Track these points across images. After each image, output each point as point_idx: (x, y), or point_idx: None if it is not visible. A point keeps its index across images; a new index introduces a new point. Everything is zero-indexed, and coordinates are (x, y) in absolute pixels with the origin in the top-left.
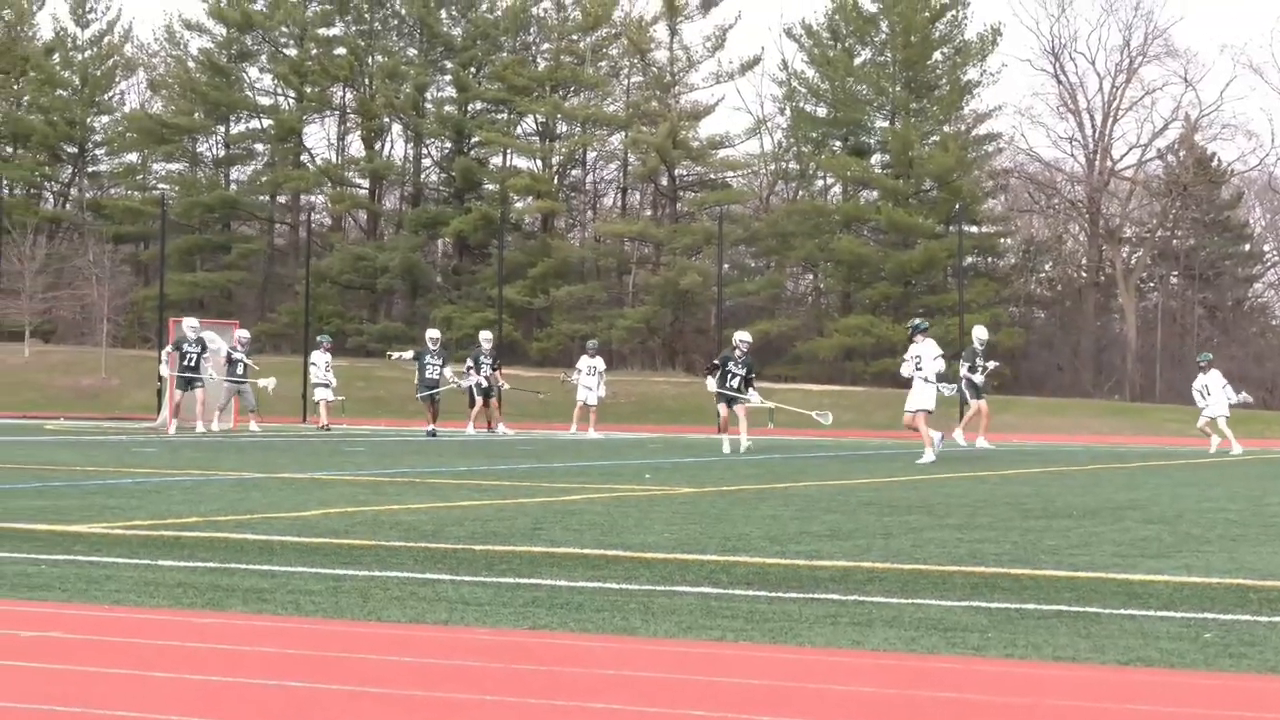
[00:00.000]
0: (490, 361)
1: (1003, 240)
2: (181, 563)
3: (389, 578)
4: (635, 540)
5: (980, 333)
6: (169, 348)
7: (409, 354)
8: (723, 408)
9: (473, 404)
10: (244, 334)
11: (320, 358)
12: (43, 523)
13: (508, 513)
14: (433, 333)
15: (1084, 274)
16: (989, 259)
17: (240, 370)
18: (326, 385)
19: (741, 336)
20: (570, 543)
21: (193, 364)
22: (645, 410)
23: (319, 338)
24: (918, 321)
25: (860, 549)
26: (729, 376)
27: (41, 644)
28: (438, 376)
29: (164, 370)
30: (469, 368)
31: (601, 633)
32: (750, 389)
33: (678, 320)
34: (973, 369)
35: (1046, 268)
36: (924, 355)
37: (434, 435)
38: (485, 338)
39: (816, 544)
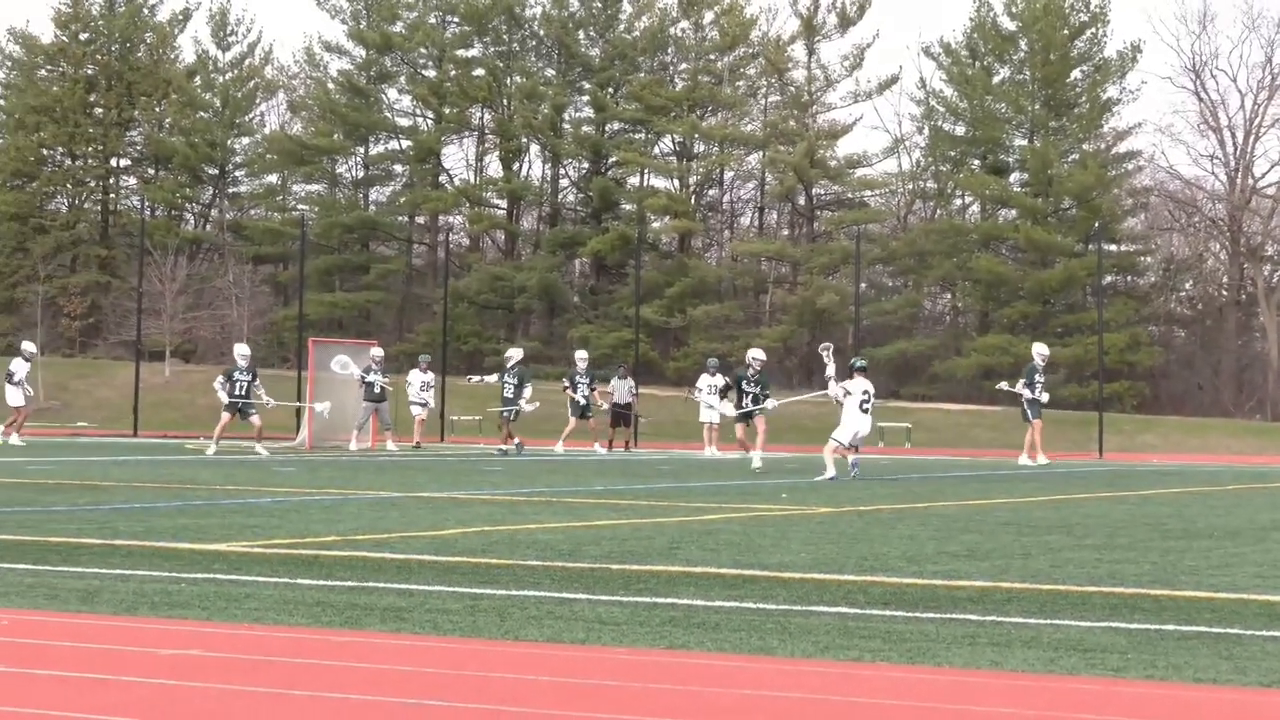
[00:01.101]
0: (587, 380)
1: (1142, 259)
2: (320, 581)
3: (526, 597)
4: (772, 560)
5: (1041, 349)
6: (220, 377)
7: (492, 377)
8: (739, 427)
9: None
10: (378, 353)
11: (417, 377)
12: (184, 541)
13: (644, 532)
14: (512, 352)
15: (1225, 292)
16: (1128, 277)
17: (376, 390)
18: (422, 405)
19: (755, 354)
20: (707, 562)
21: (243, 392)
22: (782, 430)
23: (419, 357)
24: (858, 361)
25: (998, 569)
26: (744, 396)
27: (181, 661)
28: (510, 395)
29: (222, 397)
30: (565, 387)
31: (738, 652)
32: (768, 400)
33: (815, 340)
34: (1031, 386)
35: (1187, 286)
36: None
37: (505, 454)
38: (581, 357)
39: (954, 564)
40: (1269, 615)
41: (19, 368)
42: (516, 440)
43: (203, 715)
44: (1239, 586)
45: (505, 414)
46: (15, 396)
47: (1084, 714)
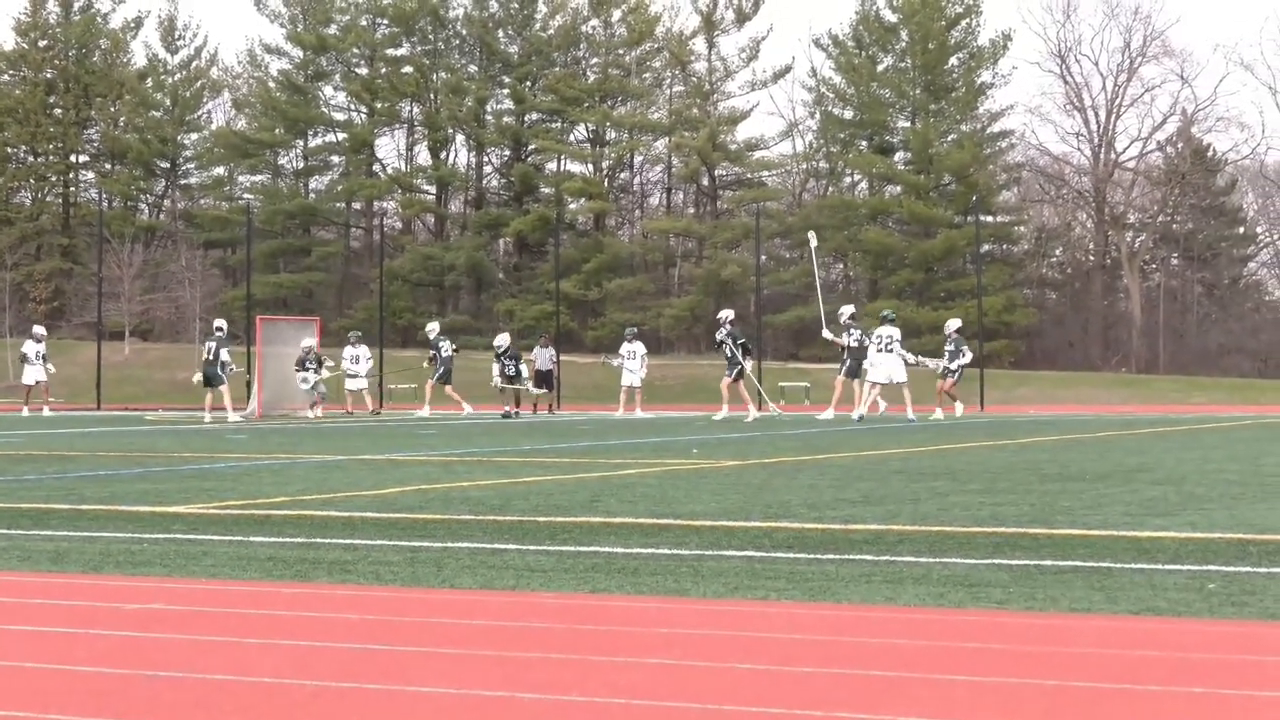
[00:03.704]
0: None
1: (1016, 228)
2: (271, 539)
3: (460, 548)
4: (685, 509)
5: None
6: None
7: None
8: (740, 386)
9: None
10: (309, 343)
11: (349, 352)
12: (145, 505)
13: (568, 487)
14: (501, 339)
15: (1091, 258)
16: (1004, 246)
17: (310, 383)
18: (354, 375)
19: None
20: (625, 513)
21: (211, 357)
22: (691, 391)
23: (349, 334)
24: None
25: (890, 513)
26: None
27: (145, 615)
28: (513, 374)
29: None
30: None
31: (655, 594)
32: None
33: (720, 308)
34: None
35: (1057, 253)
36: (894, 336)
37: (507, 417)
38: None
39: (851, 510)
40: (1137, 549)
41: (30, 348)
42: (516, 409)
43: (166, 664)
44: (1110, 524)
45: (520, 389)
46: (30, 374)
47: (971, 643)
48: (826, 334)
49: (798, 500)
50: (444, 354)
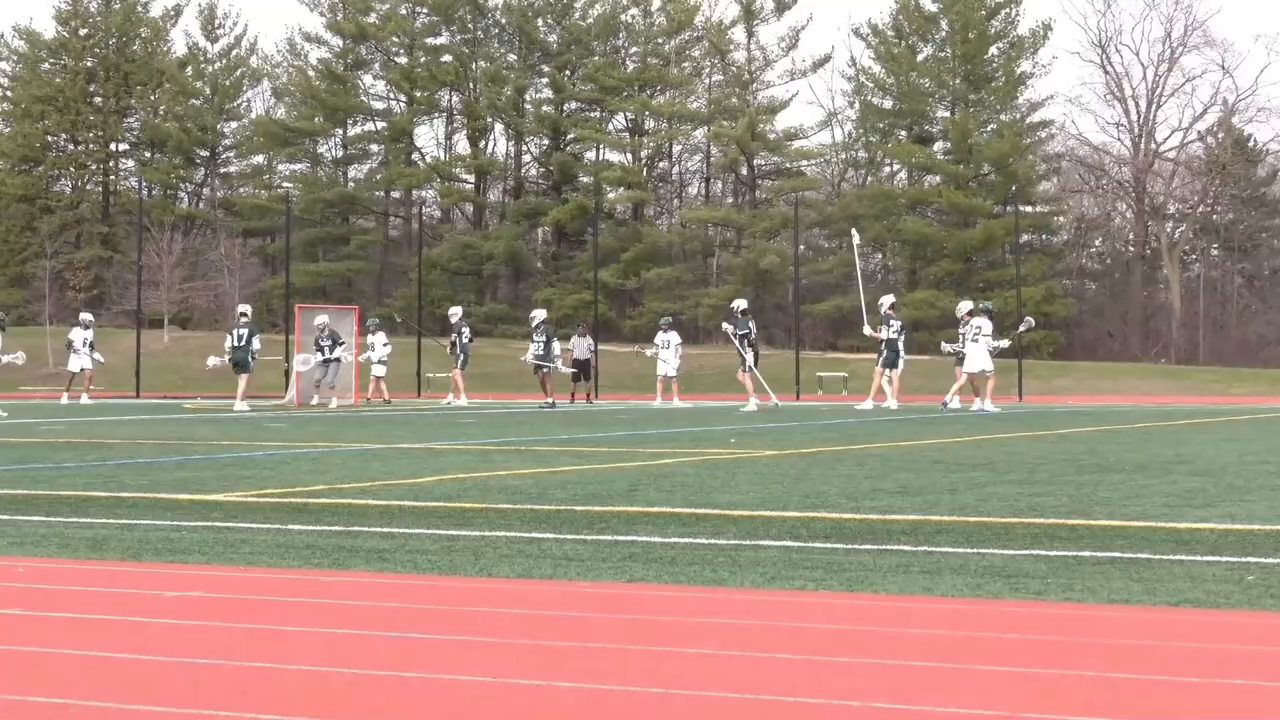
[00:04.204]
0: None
1: (1056, 219)
2: (310, 526)
3: (498, 537)
4: (722, 499)
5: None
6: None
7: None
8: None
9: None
10: (322, 319)
11: (368, 339)
12: (184, 493)
13: (605, 476)
14: (536, 313)
15: (1131, 248)
16: (1043, 236)
17: (325, 357)
18: (382, 363)
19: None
20: (663, 502)
21: (241, 343)
22: (729, 381)
23: (369, 322)
24: (985, 304)
25: (929, 504)
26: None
27: (185, 603)
28: (543, 353)
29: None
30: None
31: (692, 584)
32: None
33: (759, 298)
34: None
35: (1097, 243)
36: (983, 328)
37: (550, 407)
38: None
39: (889, 500)
40: (1175, 541)
41: (77, 335)
42: (551, 398)
43: (205, 651)
44: (1148, 515)
45: (545, 370)
46: (75, 362)
47: (1008, 634)
48: (867, 330)
49: (835, 490)
50: (464, 340)
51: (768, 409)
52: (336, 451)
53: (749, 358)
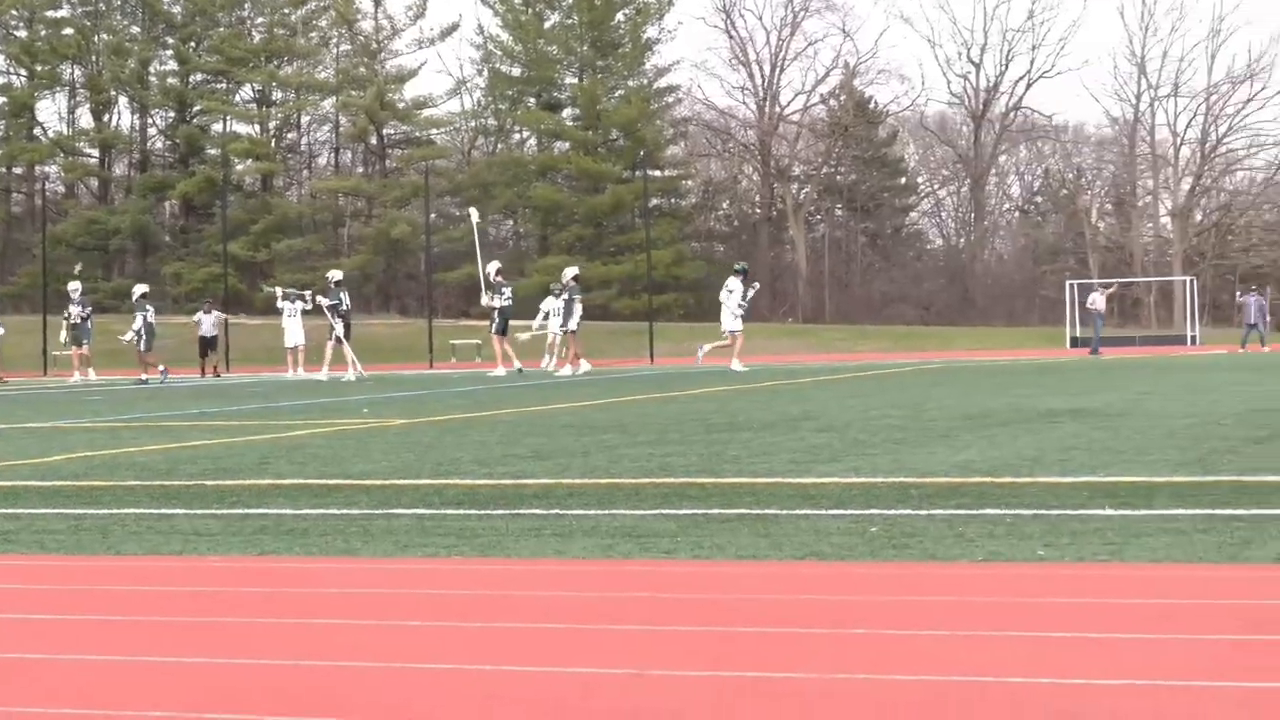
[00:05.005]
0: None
1: (684, 182)
2: None
3: (126, 514)
4: (355, 469)
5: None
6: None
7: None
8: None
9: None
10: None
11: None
12: None
13: (237, 450)
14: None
15: (758, 210)
16: (672, 200)
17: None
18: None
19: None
20: (295, 475)
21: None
22: (361, 350)
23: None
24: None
25: (561, 467)
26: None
27: None
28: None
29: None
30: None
31: (325, 555)
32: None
33: (390, 267)
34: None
35: (724, 205)
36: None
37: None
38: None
39: (521, 465)
40: (801, 496)
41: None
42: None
43: None
44: (775, 471)
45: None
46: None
47: (638, 592)
48: (484, 300)
49: (468, 457)
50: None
51: (354, 381)
52: None
53: (339, 328)
